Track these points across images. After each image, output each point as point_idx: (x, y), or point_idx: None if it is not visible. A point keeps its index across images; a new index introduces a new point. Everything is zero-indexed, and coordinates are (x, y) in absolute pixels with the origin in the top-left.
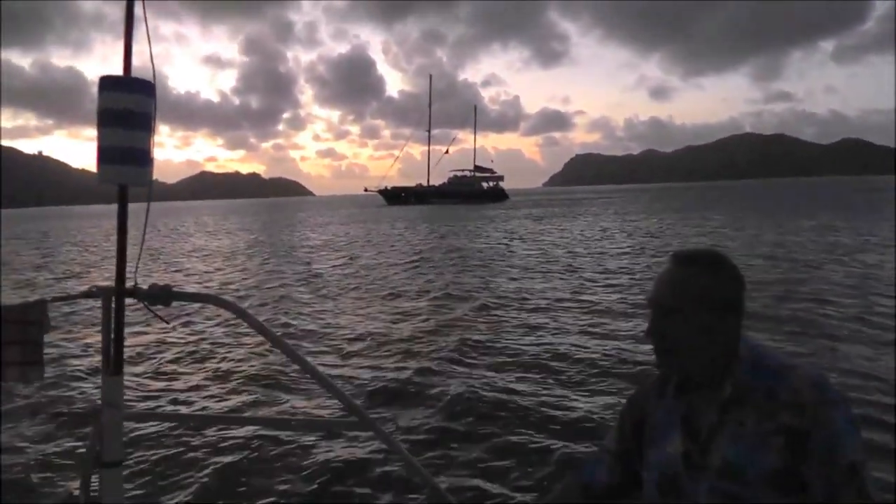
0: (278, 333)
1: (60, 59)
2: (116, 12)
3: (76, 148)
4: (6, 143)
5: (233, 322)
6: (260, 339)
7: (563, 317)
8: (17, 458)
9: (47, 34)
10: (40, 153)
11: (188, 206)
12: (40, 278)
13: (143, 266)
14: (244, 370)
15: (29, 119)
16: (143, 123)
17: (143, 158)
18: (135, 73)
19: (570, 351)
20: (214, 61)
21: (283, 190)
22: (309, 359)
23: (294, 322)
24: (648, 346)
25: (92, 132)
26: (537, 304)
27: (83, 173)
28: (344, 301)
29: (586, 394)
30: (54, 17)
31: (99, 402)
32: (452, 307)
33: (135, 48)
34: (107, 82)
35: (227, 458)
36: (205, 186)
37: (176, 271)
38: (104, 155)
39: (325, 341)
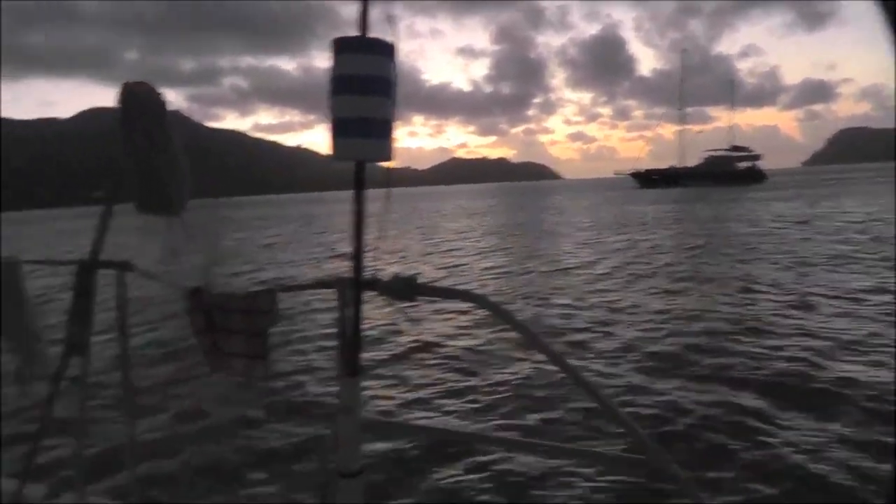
0: (541, 334)
1: (322, 60)
2: (375, 14)
3: None
4: (272, 137)
5: (486, 320)
6: (520, 340)
7: None
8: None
9: (311, 40)
10: (299, 146)
11: (437, 190)
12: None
13: (390, 255)
14: (499, 377)
15: (293, 116)
16: (382, 89)
17: (383, 130)
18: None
19: None
20: (467, 52)
21: (530, 174)
22: (586, 374)
23: (563, 320)
24: None
25: None
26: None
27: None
28: (631, 290)
29: None
30: (317, 24)
31: (335, 405)
32: (755, 302)
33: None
34: (342, 44)
35: (472, 478)
36: (454, 172)
37: (428, 255)
38: (338, 127)
39: (603, 345)
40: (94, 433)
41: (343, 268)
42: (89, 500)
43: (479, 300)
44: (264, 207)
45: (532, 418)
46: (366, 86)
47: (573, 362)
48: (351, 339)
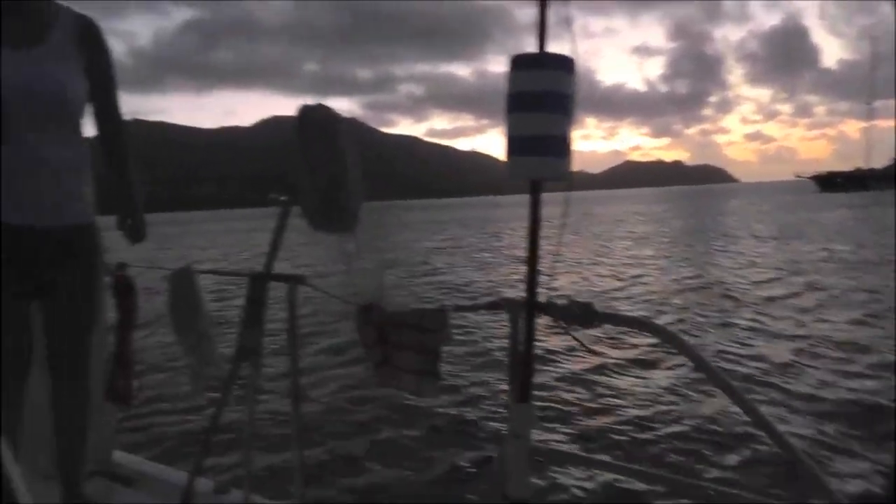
0: (724, 371)
1: (497, 65)
2: (551, 15)
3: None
4: (445, 142)
5: (668, 350)
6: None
7: None
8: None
9: (487, 44)
10: (473, 150)
11: (610, 194)
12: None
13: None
14: (679, 415)
15: (467, 121)
16: (560, 105)
17: (561, 148)
18: None
19: None
20: (642, 51)
21: (705, 177)
22: (775, 422)
23: (745, 348)
24: None
25: None
26: None
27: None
28: (823, 315)
29: None
30: (493, 28)
31: (503, 429)
32: None
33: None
34: (519, 61)
35: None
36: (628, 175)
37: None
38: (513, 145)
39: (797, 386)
40: (262, 436)
41: (514, 276)
42: (254, 499)
43: (660, 331)
44: (437, 211)
45: (714, 465)
46: (542, 102)
47: (761, 408)
48: (522, 363)
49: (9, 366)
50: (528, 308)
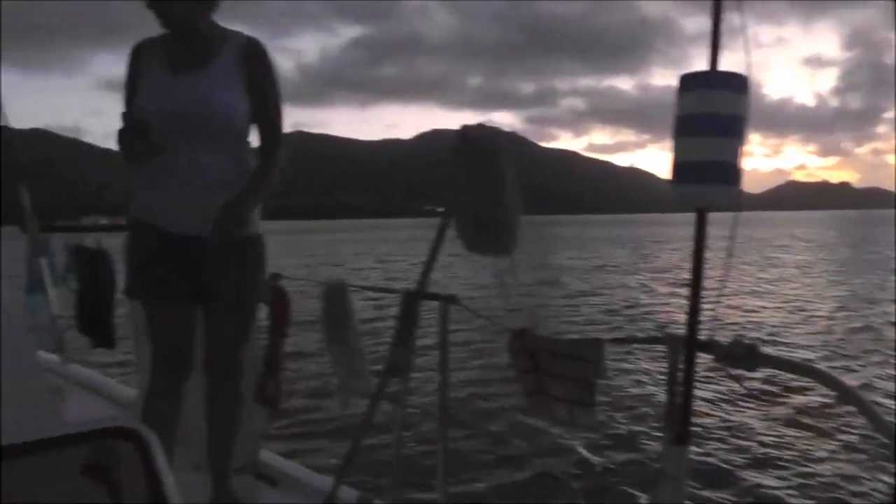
0: None
1: (661, 78)
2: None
3: (664, 158)
4: (605, 157)
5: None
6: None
7: None
8: None
9: (651, 56)
10: (632, 166)
11: (772, 216)
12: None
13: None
14: (847, 479)
15: (627, 136)
16: (731, 129)
17: (730, 175)
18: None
19: None
20: (814, 62)
21: (875, 201)
22: None
23: None
24: None
25: None
26: None
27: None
28: None
29: None
30: (657, 39)
31: (657, 471)
32: None
33: (728, 58)
34: (689, 80)
35: None
36: (791, 197)
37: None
38: (680, 172)
39: None
40: (408, 452)
41: (668, 302)
42: None
43: (831, 382)
44: (592, 228)
45: None
46: (712, 126)
47: None
48: (680, 403)
49: (170, 362)
50: (689, 346)
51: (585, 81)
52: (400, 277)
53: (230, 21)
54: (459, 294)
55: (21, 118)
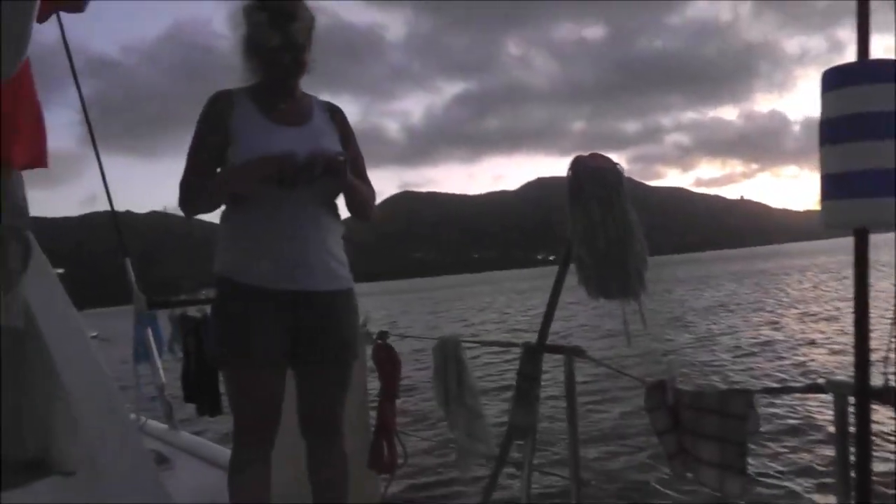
0: None
1: (764, 103)
2: (821, 44)
3: (776, 187)
4: (713, 190)
5: None
6: None
7: None
8: None
9: (753, 82)
10: (741, 197)
11: None
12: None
13: None
14: None
15: (735, 166)
16: (888, 130)
17: (891, 185)
18: None
19: None
20: None
21: None
22: None
23: None
24: None
25: (793, 169)
26: None
27: (783, 213)
28: None
29: None
30: (759, 63)
31: None
32: None
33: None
34: (833, 76)
35: None
36: None
37: None
38: (830, 186)
39: None
40: None
41: (816, 338)
42: None
43: None
44: (708, 265)
45: None
46: (868, 127)
47: None
48: (858, 460)
49: (259, 432)
50: (861, 394)
51: (689, 115)
52: (520, 329)
53: (337, 88)
54: (584, 344)
55: (142, 201)
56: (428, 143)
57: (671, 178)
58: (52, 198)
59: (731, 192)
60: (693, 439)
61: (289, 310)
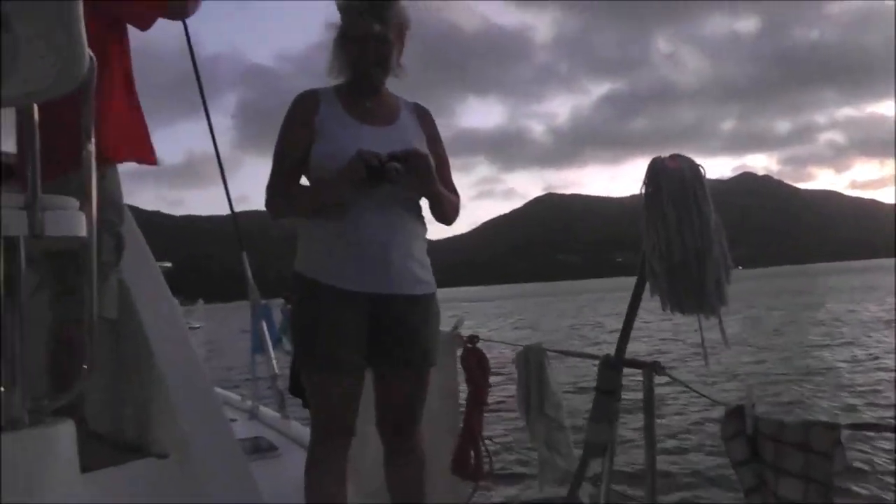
0: None
1: None
2: None
3: None
4: (869, 194)
5: None
6: None
7: None
8: None
9: None
10: None
11: None
12: None
13: None
14: None
15: (894, 167)
16: None
17: None
18: None
19: None
20: None
21: None
22: None
23: None
24: None
25: None
26: None
27: None
28: None
29: None
30: None
31: None
32: None
33: None
34: None
35: None
36: None
37: None
38: None
39: None
40: None
41: None
42: None
43: None
44: (862, 275)
45: None
46: None
47: None
48: None
49: (337, 432)
50: None
51: (845, 111)
52: (666, 337)
53: (484, 90)
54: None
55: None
56: (573, 144)
57: (823, 179)
58: (206, 197)
59: (888, 196)
60: (774, 474)
61: (368, 312)
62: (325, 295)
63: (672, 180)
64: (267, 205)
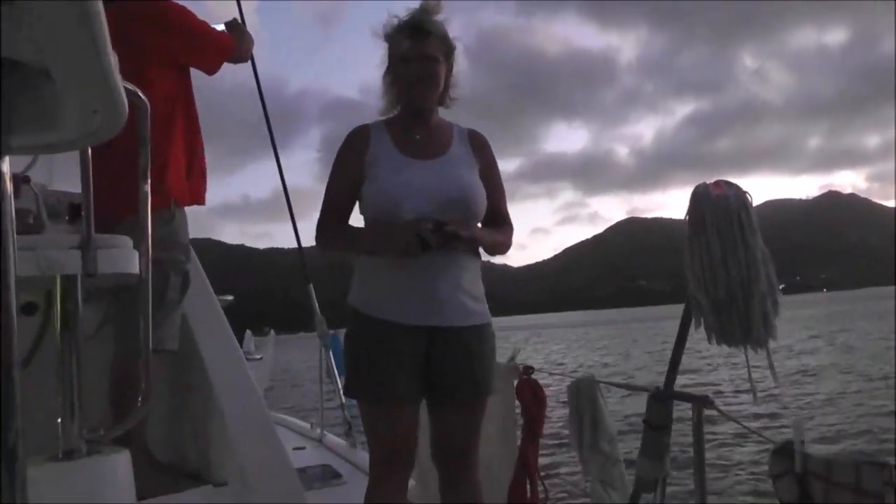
0: None
1: None
2: None
3: None
4: None
5: None
6: None
7: None
8: None
9: None
10: None
11: None
12: None
13: None
14: None
15: None
16: None
17: None
18: None
19: None
20: None
21: None
22: None
23: None
24: None
25: None
26: None
27: None
28: None
29: None
30: None
31: None
32: None
33: None
34: None
35: None
36: None
37: None
38: None
39: None
40: None
41: None
42: None
43: None
44: None
45: None
46: None
47: None
48: None
49: (396, 463)
50: None
51: None
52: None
53: (569, 114)
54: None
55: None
56: (657, 166)
57: None
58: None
59: None
60: None
61: (422, 345)
62: (376, 328)
63: (716, 209)
64: (316, 240)
